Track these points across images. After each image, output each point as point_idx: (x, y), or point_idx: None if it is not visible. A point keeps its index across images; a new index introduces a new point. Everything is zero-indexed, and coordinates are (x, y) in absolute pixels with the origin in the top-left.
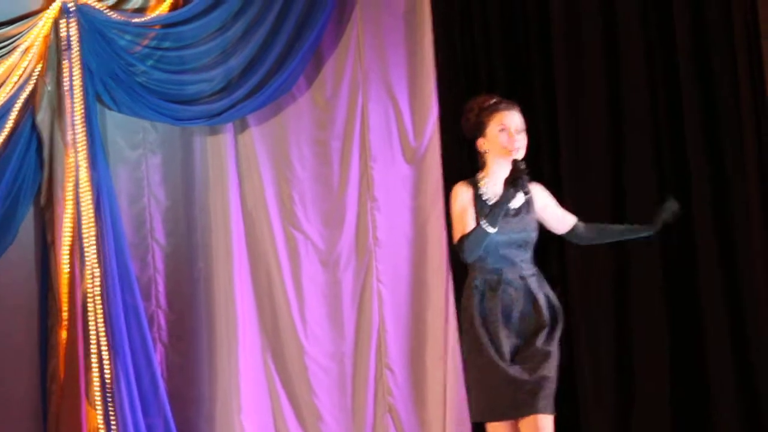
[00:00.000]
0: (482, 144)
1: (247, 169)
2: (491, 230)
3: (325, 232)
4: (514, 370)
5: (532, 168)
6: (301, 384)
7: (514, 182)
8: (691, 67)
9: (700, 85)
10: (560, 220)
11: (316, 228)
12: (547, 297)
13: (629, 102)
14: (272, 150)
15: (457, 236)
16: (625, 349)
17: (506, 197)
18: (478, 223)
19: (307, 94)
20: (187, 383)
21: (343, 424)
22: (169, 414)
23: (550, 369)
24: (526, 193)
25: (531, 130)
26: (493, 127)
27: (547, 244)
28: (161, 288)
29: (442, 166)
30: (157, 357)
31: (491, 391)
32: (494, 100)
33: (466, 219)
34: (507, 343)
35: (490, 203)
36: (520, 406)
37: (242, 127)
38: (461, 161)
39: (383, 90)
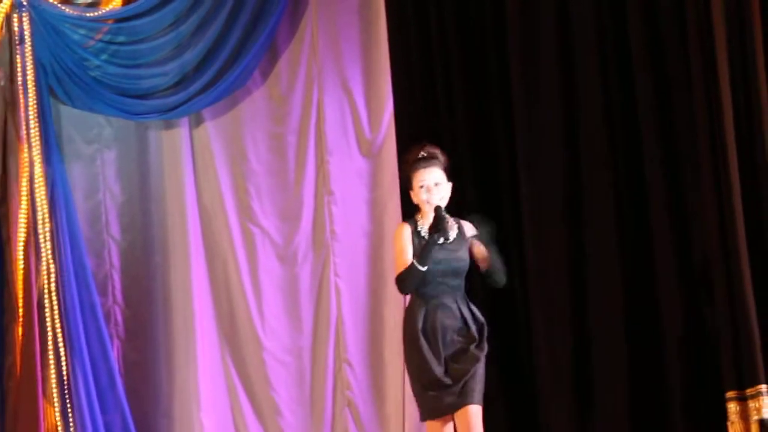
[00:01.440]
0: (412, 196)
1: (203, 164)
2: (422, 268)
3: (281, 226)
4: (448, 377)
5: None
6: (259, 379)
7: (436, 228)
8: (647, 74)
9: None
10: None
11: (273, 222)
12: (473, 314)
13: (584, 94)
14: (228, 144)
15: (397, 272)
16: (582, 343)
17: (431, 241)
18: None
19: (262, 88)
20: (145, 379)
21: (301, 419)
22: (127, 410)
23: (478, 368)
24: (446, 239)
25: (486, 122)
26: (416, 183)
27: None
28: (117, 284)
29: (398, 159)
30: (114, 353)
31: (431, 396)
32: (417, 157)
33: (404, 257)
34: (442, 356)
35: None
36: (455, 404)
37: (197, 121)
38: None
39: (338, 84)
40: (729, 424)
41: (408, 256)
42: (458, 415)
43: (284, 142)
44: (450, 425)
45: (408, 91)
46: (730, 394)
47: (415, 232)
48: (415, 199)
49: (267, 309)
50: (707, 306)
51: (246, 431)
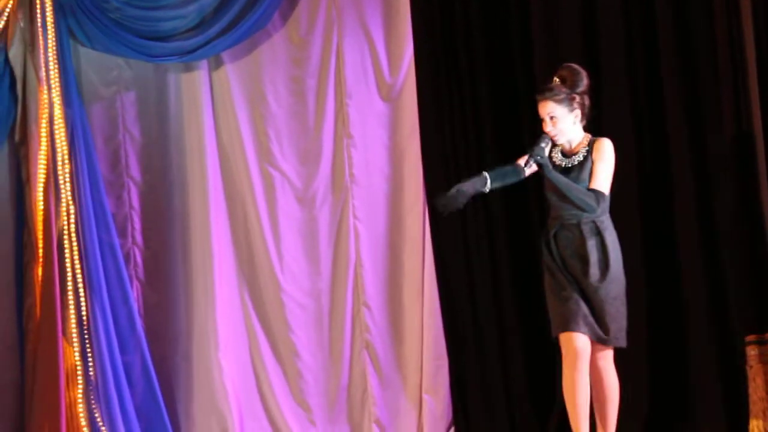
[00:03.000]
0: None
1: (222, 107)
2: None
3: (301, 169)
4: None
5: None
6: (277, 320)
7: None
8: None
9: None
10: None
11: (292, 165)
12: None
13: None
14: (247, 87)
15: (607, 190)
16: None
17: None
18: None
19: (281, 31)
20: (164, 320)
21: (320, 360)
22: (147, 351)
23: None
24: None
25: (507, 64)
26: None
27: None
28: (137, 225)
29: (418, 103)
30: (134, 294)
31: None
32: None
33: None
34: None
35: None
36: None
37: (217, 64)
38: (438, 98)
39: (358, 27)
40: (747, 367)
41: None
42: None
43: (304, 85)
44: None
45: (428, 34)
46: (750, 338)
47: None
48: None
49: (286, 251)
50: (727, 249)
51: (264, 372)
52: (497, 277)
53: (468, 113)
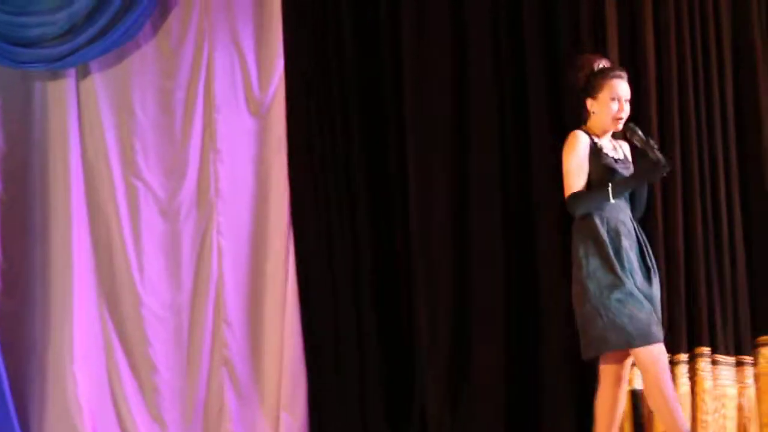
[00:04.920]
0: (590, 104)
1: (88, 116)
2: (612, 201)
3: (166, 182)
4: None
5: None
6: (136, 334)
7: (644, 152)
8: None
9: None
10: None
11: (157, 178)
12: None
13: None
14: (115, 97)
15: (572, 188)
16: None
17: (645, 175)
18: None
19: (152, 42)
20: (20, 331)
21: (178, 376)
22: (1, 364)
23: None
24: (664, 167)
25: (376, 82)
26: (606, 93)
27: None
28: None
29: (286, 119)
30: None
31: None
32: (608, 67)
33: (583, 172)
34: None
35: (609, 155)
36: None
37: (84, 73)
38: (307, 114)
39: (230, 41)
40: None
41: (584, 175)
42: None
43: (172, 97)
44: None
45: (299, 50)
46: None
47: (595, 149)
48: (598, 109)
49: (147, 265)
50: None
51: (120, 387)
52: (359, 297)
53: (337, 130)
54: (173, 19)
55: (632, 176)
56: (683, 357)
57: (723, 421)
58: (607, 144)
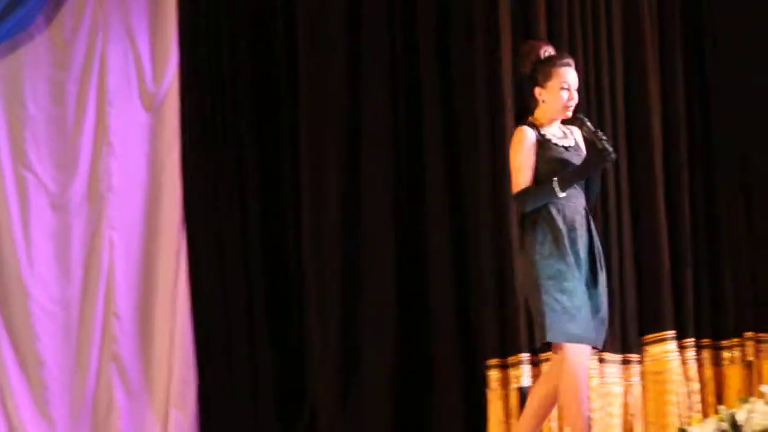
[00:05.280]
0: (539, 93)
1: None
2: (561, 195)
3: (57, 175)
4: None
5: None
6: (24, 328)
7: (593, 145)
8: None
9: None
10: None
11: (48, 170)
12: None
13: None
14: (6, 88)
15: (519, 185)
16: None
17: (591, 164)
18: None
19: (45, 33)
20: None
21: (66, 371)
22: None
23: None
24: (609, 156)
25: (270, 77)
26: (555, 82)
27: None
28: None
29: (180, 113)
30: None
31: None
32: (557, 54)
33: (528, 169)
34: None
35: (559, 145)
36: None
37: None
38: (200, 109)
39: (124, 34)
40: (489, 390)
41: (530, 171)
42: None
43: (65, 89)
44: None
45: (193, 44)
46: (491, 361)
47: (543, 140)
48: (547, 97)
49: (36, 257)
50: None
51: (7, 382)
52: (251, 294)
53: (230, 127)
54: (67, 11)
55: (578, 167)
56: None
57: (609, 419)
58: (556, 132)
